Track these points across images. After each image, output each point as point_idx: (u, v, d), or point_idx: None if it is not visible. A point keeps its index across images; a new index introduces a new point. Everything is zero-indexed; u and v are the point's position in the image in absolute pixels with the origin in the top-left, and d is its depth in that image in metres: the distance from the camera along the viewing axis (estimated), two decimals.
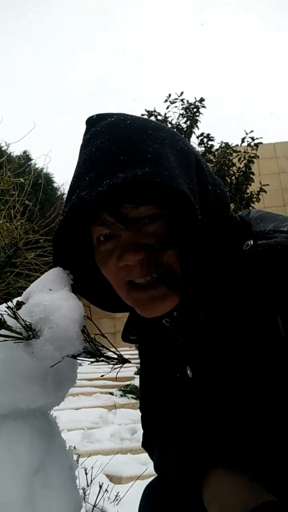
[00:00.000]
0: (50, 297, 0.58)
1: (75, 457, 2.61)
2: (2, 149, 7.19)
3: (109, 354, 0.64)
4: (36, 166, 7.77)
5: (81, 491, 2.17)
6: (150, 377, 0.95)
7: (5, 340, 0.54)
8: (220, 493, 0.65)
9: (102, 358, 0.63)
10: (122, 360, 0.64)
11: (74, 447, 3.00)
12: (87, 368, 6.18)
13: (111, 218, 0.67)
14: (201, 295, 0.71)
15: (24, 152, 10.00)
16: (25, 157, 9.62)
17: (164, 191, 0.64)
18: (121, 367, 0.65)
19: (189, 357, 0.79)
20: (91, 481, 2.47)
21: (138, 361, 1.00)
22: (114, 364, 0.64)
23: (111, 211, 0.67)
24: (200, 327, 0.75)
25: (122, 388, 5.78)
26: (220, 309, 0.71)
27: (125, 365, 0.65)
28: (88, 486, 2.41)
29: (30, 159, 9.56)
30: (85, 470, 2.50)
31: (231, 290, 0.70)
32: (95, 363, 0.64)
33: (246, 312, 0.68)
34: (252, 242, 0.69)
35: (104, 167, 0.64)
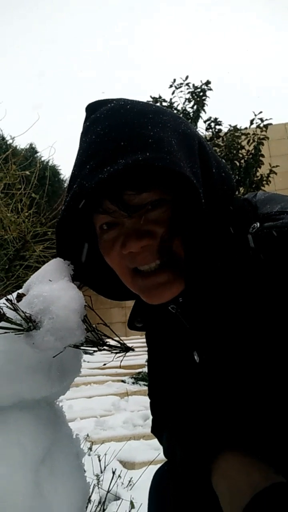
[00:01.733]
0: (49, 288, 0.58)
1: (88, 444, 2.67)
2: (8, 142, 7.18)
3: (112, 343, 0.64)
4: (42, 158, 7.76)
5: (94, 477, 2.21)
6: (158, 364, 0.96)
7: (5, 332, 0.55)
8: (229, 476, 0.65)
9: (104, 347, 0.63)
10: (125, 349, 0.65)
11: (87, 435, 3.05)
12: (98, 357, 6.25)
13: (113, 205, 0.67)
14: (206, 280, 0.70)
15: (30, 144, 9.99)
16: (31, 150, 9.61)
17: (166, 175, 0.63)
18: (124, 355, 0.66)
19: (196, 342, 0.79)
20: (105, 467, 2.52)
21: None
22: (117, 353, 0.64)
23: (113, 199, 0.66)
24: (206, 312, 0.74)
25: (134, 376, 5.84)
26: (226, 293, 0.71)
27: (137, 353, 0.66)
28: (101, 472, 2.46)
29: (36, 152, 9.54)
30: (99, 457, 2.54)
31: (238, 274, 0.69)
32: (107, 353, 0.64)
33: (254, 295, 0.67)
34: (258, 224, 0.68)
35: (104, 154, 0.63)
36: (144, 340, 1.00)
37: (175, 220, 0.66)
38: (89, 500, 1.88)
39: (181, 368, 0.84)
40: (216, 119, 7.58)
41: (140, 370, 5.98)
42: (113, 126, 0.66)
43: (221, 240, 0.70)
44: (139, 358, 6.16)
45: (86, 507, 1.79)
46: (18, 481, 0.56)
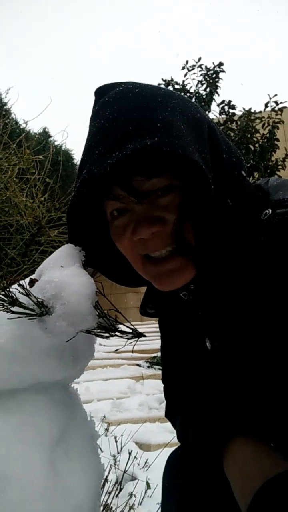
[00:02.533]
0: (60, 274, 0.58)
1: (105, 425, 2.72)
2: (21, 127, 7.18)
3: (125, 328, 0.64)
4: (55, 143, 7.74)
5: (111, 458, 2.26)
6: (170, 350, 0.96)
7: (18, 317, 0.55)
8: (240, 462, 0.66)
9: (116, 333, 0.63)
10: (137, 334, 0.65)
11: (104, 416, 3.12)
12: (114, 341, 6.33)
13: (122, 191, 0.66)
14: (218, 266, 0.70)
15: (43, 129, 9.96)
16: (44, 134, 9.59)
17: (175, 160, 0.62)
18: (136, 341, 0.66)
19: (208, 329, 0.78)
20: (121, 448, 2.57)
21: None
22: (129, 338, 0.64)
23: (122, 184, 0.65)
24: (218, 299, 0.74)
25: (149, 360, 5.91)
26: (238, 280, 0.70)
27: (152, 337, 0.66)
28: (118, 453, 2.51)
29: (49, 136, 9.52)
30: (115, 438, 2.60)
31: (249, 261, 0.68)
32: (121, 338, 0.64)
33: (265, 281, 0.66)
34: (270, 211, 0.67)
35: (113, 139, 0.62)
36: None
37: (185, 206, 0.65)
38: (106, 480, 1.93)
39: (193, 354, 0.84)
40: (229, 102, 7.40)
41: (155, 354, 6.04)
42: (122, 111, 0.64)
43: (232, 226, 0.69)
44: (154, 342, 6.22)
45: (103, 486, 1.84)
46: (34, 460, 0.57)
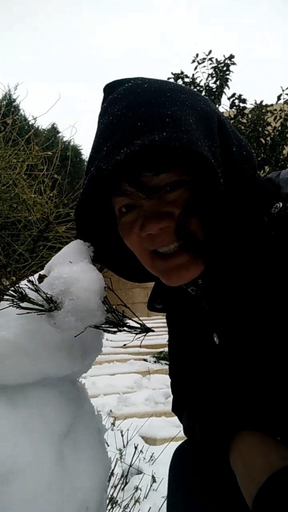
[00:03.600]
0: (69, 269, 0.59)
1: (111, 419, 2.74)
2: (30, 123, 7.19)
3: (133, 323, 0.65)
4: (64, 138, 7.74)
5: (117, 451, 2.28)
6: (178, 344, 0.97)
7: (28, 313, 0.56)
8: (247, 455, 0.66)
9: (124, 328, 0.64)
10: (145, 329, 0.65)
11: (111, 411, 3.14)
12: (121, 337, 6.37)
13: (131, 187, 0.66)
14: (226, 261, 0.70)
15: (52, 125, 9.96)
16: (53, 130, 9.59)
17: (184, 155, 0.62)
18: (144, 335, 0.66)
19: (216, 324, 0.79)
20: (127, 442, 2.59)
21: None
22: (137, 333, 0.65)
23: (130, 181, 0.65)
24: (226, 294, 0.74)
25: (156, 355, 5.92)
26: (247, 275, 0.70)
27: (159, 332, 0.66)
28: (124, 447, 2.53)
29: (57, 132, 9.52)
30: (121, 432, 2.62)
31: (259, 255, 0.68)
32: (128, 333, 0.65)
33: (275, 276, 0.66)
34: (281, 204, 0.66)
35: (121, 135, 0.62)
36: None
37: (194, 201, 0.65)
38: (112, 473, 1.95)
39: (201, 349, 0.85)
40: (240, 96, 7.31)
41: (161, 349, 6.05)
42: (130, 106, 0.65)
43: (241, 220, 0.68)
44: (161, 337, 6.23)
45: (109, 479, 1.86)
46: (42, 453, 0.58)
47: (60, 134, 8.59)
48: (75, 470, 0.61)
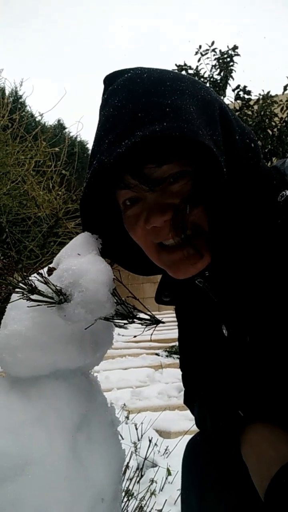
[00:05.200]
0: (78, 261, 0.59)
1: (125, 413, 2.76)
2: (36, 119, 7.22)
3: (143, 316, 0.64)
4: (70, 134, 7.75)
5: (132, 445, 2.30)
6: (188, 337, 0.96)
7: (38, 305, 0.56)
8: (258, 447, 0.66)
9: (134, 320, 0.64)
10: (155, 321, 0.65)
11: (124, 404, 3.15)
12: (132, 331, 6.39)
13: (134, 180, 0.65)
14: (233, 252, 0.69)
15: (58, 120, 9.98)
16: (59, 126, 9.61)
17: (186, 145, 0.61)
18: (155, 328, 0.66)
19: (224, 315, 0.78)
20: (141, 435, 2.60)
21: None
22: (147, 325, 0.64)
23: (133, 173, 0.65)
24: (233, 285, 0.73)
25: (168, 349, 5.93)
26: (254, 265, 0.69)
27: (170, 326, 0.66)
28: (138, 440, 2.54)
29: (64, 128, 9.54)
30: (135, 425, 2.63)
31: (265, 244, 0.67)
32: (141, 327, 0.64)
33: (282, 265, 0.65)
34: (287, 192, 0.65)
35: (122, 127, 0.61)
36: None
37: (197, 192, 0.64)
38: (127, 466, 1.96)
39: (210, 341, 0.84)
40: (245, 87, 7.21)
41: (173, 343, 6.06)
42: (130, 97, 0.64)
43: (247, 209, 0.67)
44: (173, 332, 6.23)
45: (124, 472, 1.87)
46: (55, 445, 0.58)
47: (66, 130, 8.59)
48: (89, 462, 0.61)
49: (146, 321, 0.64)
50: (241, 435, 0.69)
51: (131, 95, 0.64)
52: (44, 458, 0.57)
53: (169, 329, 5.81)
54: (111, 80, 0.72)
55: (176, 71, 0.81)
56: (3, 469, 0.55)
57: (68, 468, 0.58)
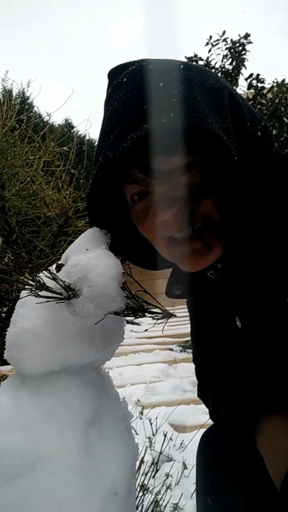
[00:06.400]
0: (86, 257, 0.58)
1: (139, 408, 2.76)
2: (44, 119, 7.25)
3: (153, 309, 0.64)
4: (79, 133, 7.76)
5: (147, 439, 2.30)
6: (200, 329, 0.96)
7: (47, 301, 0.56)
8: (273, 438, 0.66)
9: (145, 314, 0.63)
10: (167, 314, 0.64)
11: (138, 400, 3.16)
12: (145, 327, 6.39)
13: (141, 174, 0.64)
14: (245, 243, 0.68)
15: (66, 120, 10.00)
16: (67, 125, 9.63)
17: (194, 135, 0.60)
18: (166, 321, 0.65)
19: (237, 307, 0.77)
20: (156, 430, 2.61)
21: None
22: (158, 319, 0.64)
23: (140, 167, 0.64)
24: (246, 277, 0.72)
25: (182, 344, 5.92)
26: (267, 256, 0.68)
27: (184, 321, 0.65)
28: (153, 435, 2.55)
29: (72, 127, 9.55)
30: (150, 420, 2.64)
31: (279, 234, 0.66)
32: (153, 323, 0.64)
33: None
34: None
35: (127, 121, 0.61)
36: None
37: (207, 183, 0.63)
38: (142, 461, 1.96)
39: (223, 333, 0.83)
40: (258, 75, 7.07)
41: (187, 338, 6.04)
42: (135, 90, 0.63)
43: (260, 198, 0.66)
44: (186, 327, 6.20)
45: (139, 467, 1.88)
46: (68, 440, 0.58)
47: (75, 129, 8.60)
48: (102, 457, 0.61)
49: (157, 315, 0.63)
50: (256, 427, 0.69)
51: (136, 87, 0.63)
52: (55, 454, 0.57)
53: (182, 323, 5.80)
54: (115, 74, 0.71)
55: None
56: (14, 466, 0.56)
57: (80, 464, 0.58)
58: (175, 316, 0.65)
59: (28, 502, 0.55)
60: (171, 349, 5.82)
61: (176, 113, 0.57)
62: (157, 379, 4.39)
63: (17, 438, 0.57)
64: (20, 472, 0.56)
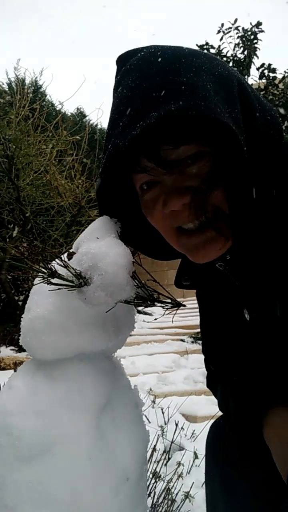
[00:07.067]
0: (96, 245, 0.59)
1: (151, 397, 2.78)
2: (57, 108, 7.24)
3: (163, 299, 0.64)
4: (91, 121, 7.74)
5: (159, 428, 2.32)
6: (209, 320, 0.95)
7: (58, 289, 0.56)
8: (280, 429, 0.66)
9: (155, 303, 0.63)
10: (176, 304, 0.64)
11: (150, 389, 3.19)
12: (157, 317, 6.41)
13: (150, 163, 0.64)
14: (255, 234, 0.67)
15: (78, 109, 9.97)
16: (79, 114, 9.60)
17: (204, 124, 0.59)
18: (176, 310, 0.65)
19: (246, 299, 0.76)
20: (168, 419, 2.63)
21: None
22: (168, 308, 0.64)
23: (149, 156, 0.63)
24: (255, 269, 0.71)
25: (193, 335, 5.93)
26: (277, 247, 0.67)
27: (196, 312, 0.65)
28: (165, 424, 2.57)
29: (84, 116, 9.52)
30: (162, 409, 2.66)
31: None
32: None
33: None
34: None
35: (136, 108, 0.60)
36: None
37: (216, 173, 0.62)
38: (154, 449, 1.99)
39: (231, 325, 0.83)
40: (270, 65, 6.92)
41: (199, 330, 6.04)
42: (143, 77, 0.62)
43: (269, 189, 0.65)
44: (198, 318, 6.20)
45: (151, 455, 1.90)
46: (80, 426, 0.60)
47: (87, 118, 8.57)
48: (113, 442, 0.62)
49: (167, 304, 0.63)
50: (264, 418, 0.69)
51: (145, 74, 0.62)
52: (69, 438, 0.58)
53: (194, 315, 5.80)
54: (124, 61, 0.70)
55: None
56: (29, 448, 0.57)
57: (92, 448, 0.59)
58: (184, 306, 0.65)
59: (43, 483, 0.57)
60: (182, 340, 5.84)
61: (186, 101, 0.56)
62: (169, 369, 4.42)
63: (32, 421, 0.58)
64: (35, 455, 0.58)
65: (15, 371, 0.67)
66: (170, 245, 0.73)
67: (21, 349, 4.95)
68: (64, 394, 0.61)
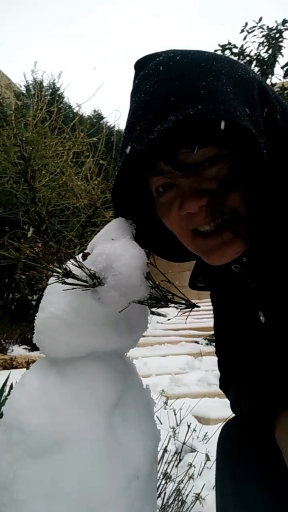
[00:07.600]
0: (111, 246, 0.60)
1: (164, 399, 2.79)
2: (74, 110, 7.31)
3: (177, 299, 0.65)
4: (108, 123, 7.78)
5: (171, 429, 2.32)
6: (223, 322, 0.95)
7: (73, 288, 0.58)
8: None
9: (168, 304, 0.64)
10: (190, 305, 0.65)
11: (163, 390, 3.19)
12: (172, 320, 6.40)
13: (167, 166, 0.64)
14: (272, 237, 0.67)
15: (95, 110, 10.04)
16: (97, 116, 9.67)
17: (222, 128, 0.59)
18: (190, 311, 0.66)
19: (261, 302, 0.76)
20: (180, 421, 2.62)
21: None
22: (182, 309, 0.64)
23: (166, 159, 0.64)
24: (271, 271, 0.71)
25: (208, 337, 5.90)
26: None
27: (210, 314, 0.65)
28: (177, 425, 2.57)
29: (102, 118, 9.58)
30: (174, 411, 2.65)
31: None
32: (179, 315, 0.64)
33: None
34: None
35: (154, 113, 0.60)
36: None
37: (235, 176, 0.62)
38: (166, 450, 1.99)
39: (246, 327, 0.83)
40: None
41: (213, 332, 6.00)
42: (162, 81, 0.62)
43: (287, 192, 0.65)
44: (212, 320, 6.17)
45: (163, 456, 1.90)
46: (92, 422, 0.61)
47: (104, 120, 8.62)
48: (124, 440, 0.63)
49: (180, 305, 0.64)
50: (276, 420, 0.69)
51: (163, 79, 0.62)
52: (80, 435, 0.59)
53: (209, 316, 5.77)
54: (142, 65, 0.70)
55: (220, 52, 0.78)
56: (41, 445, 0.58)
57: (103, 445, 0.60)
58: (198, 306, 0.65)
59: (54, 479, 0.58)
60: (197, 342, 5.82)
61: (204, 105, 0.56)
62: (182, 371, 4.41)
63: (44, 418, 0.59)
64: (47, 451, 0.59)
65: (27, 369, 0.69)
66: (184, 247, 0.73)
67: (33, 348, 5.01)
68: (76, 391, 0.62)
